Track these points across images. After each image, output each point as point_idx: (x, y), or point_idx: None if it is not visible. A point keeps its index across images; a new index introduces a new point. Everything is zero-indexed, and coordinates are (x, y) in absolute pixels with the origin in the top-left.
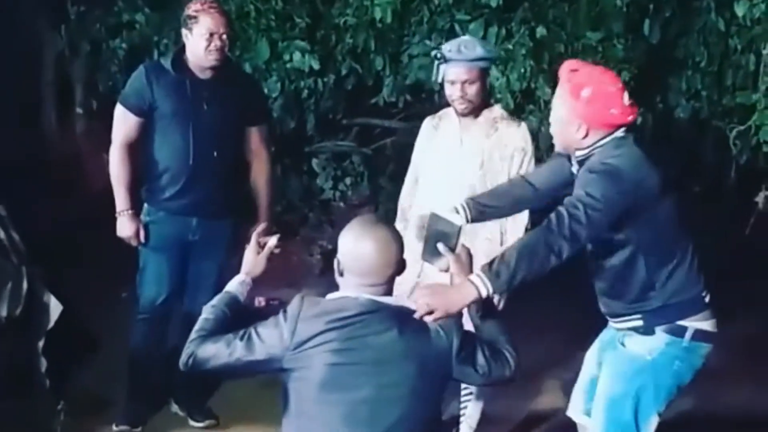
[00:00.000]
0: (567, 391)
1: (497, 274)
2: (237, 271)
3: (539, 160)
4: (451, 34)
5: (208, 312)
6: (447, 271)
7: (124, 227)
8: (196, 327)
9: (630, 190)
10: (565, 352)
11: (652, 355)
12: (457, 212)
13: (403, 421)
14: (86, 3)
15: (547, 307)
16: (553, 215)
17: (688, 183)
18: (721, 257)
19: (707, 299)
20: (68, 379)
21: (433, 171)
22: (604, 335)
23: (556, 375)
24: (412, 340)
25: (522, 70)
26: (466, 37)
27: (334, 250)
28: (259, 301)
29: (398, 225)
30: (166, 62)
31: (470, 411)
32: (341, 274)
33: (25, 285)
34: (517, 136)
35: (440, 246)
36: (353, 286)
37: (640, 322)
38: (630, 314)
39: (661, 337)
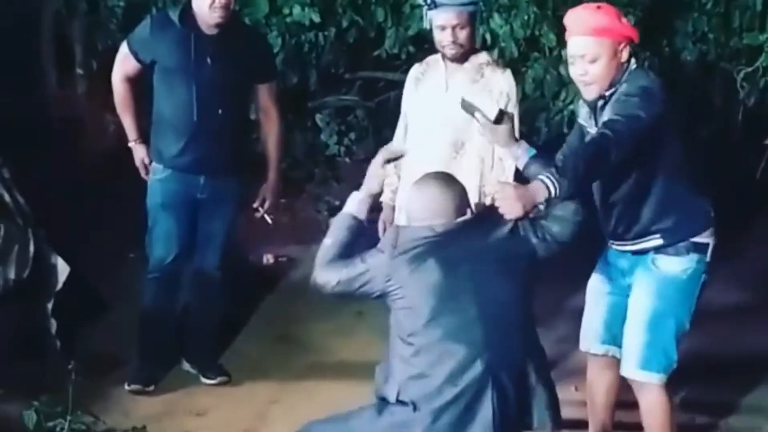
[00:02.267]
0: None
1: (561, 181)
2: (245, 228)
3: (544, 108)
4: None
5: (331, 235)
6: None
7: (136, 155)
8: (319, 252)
9: (660, 107)
10: (572, 300)
11: (687, 274)
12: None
13: (507, 317)
14: None
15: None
16: (601, 134)
17: (695, 127)
18: (731, 201)
19: (712, 214)
20: (79, 339)
21: (421, 117)
22: (617, 263)
23: (568, 321)
24: (496, 241)
25: (525, 17)
26: None
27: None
28: (268, 259)
29: (389, 178)
30: (174, 15)
31: None
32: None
33: (32, 247)
34: (502, 81)
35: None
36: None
37: (660, 241)
38: (651, 233)
39: (691, 256)
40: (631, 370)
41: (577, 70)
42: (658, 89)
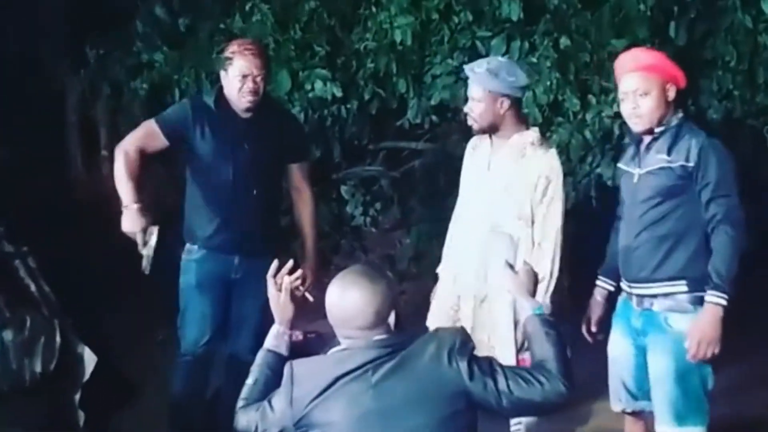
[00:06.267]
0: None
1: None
2: None
3: (571, 173)
4: (472, 52)
5: (252, 374)
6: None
7: (130, 221)
8: (242, 394)
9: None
10: None
11: None
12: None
13: None
14: (105, 45)
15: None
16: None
17: None
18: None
19: None
20: (108, 429)
21: (466, 191)
22: (630, 323)
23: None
24: (419, 376)
25: (548, 83)
26: (492, 57)
27: None
28: (297, 336)
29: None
30: (209, 99)
31: None
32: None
33: (58, 338)
34: (543, 163)
35: (502, 264)
36: (349, 337)
37: (684, 288)
38: (677, 278)
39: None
40: (667, 427)
41: (628, 105)
42: (722, 148)
